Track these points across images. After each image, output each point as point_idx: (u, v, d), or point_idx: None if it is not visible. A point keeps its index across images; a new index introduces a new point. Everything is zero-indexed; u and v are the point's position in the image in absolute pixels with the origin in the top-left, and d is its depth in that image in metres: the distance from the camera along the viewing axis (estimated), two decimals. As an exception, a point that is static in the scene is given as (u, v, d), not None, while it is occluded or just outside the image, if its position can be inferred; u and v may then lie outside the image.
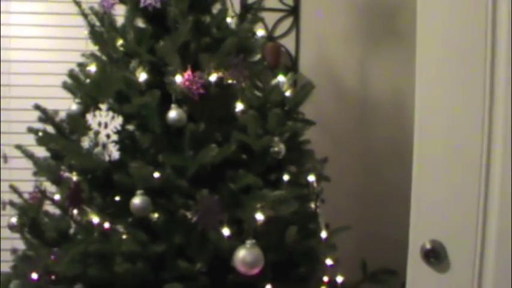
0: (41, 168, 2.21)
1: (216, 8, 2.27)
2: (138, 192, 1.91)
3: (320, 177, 2.38)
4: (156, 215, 2.02)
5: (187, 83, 2.01)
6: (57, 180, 2.18)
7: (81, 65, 2.26)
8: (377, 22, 3.18)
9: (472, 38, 1.62)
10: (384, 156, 3.20)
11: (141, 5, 2.10)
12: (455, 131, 1.65)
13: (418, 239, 1.70)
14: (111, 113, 2.02)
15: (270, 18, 3.15)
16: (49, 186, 2.23)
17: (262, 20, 2.64)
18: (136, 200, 1.90)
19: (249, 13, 2.33)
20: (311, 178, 2.29)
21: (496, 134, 1.62)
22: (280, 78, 2.31)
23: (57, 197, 2.12)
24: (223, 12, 2.25)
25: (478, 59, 1.61)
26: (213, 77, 2.06)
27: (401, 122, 3.11)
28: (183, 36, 2.05)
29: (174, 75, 2.02)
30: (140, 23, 2.23)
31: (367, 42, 3.20)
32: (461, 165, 1.64)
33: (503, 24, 1.59)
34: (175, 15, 2.08)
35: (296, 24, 3.21)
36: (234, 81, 2.09)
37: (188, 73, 2.02)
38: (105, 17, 2.21)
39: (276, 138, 2.10)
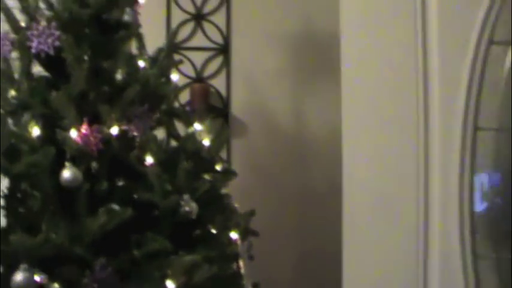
0: None
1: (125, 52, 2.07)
2: (21, 266, 1.67)
3: (246, 233, 2.18)
4: (56, 286, 1.80)
5: (83, 138, 1.80)
6: None
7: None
8: (309, 58, 3.04)
9: (402, 67, 1.66)
10: (321, 198, 2.99)
11: (33, 51, 1.90)
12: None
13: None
14: (-4, 175, 1.80)
15: (199, 57, 2.98)
16: None
17: (181, 62, 2.46)
18: (18, 277, 1.66)
19: (162, 55, 2.15)
20: (234, 235, 2.08)
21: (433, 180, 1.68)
22: (196, 126, 2.12)
23: None
24: (131, 56, 2.05)
25: (409, 95, 1.63)
26: (114, 130, 1.86)
27: (339, 160, 2.92)
28: (78, 85, 1.87)
29: (68, 129, 1.81)
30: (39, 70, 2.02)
31: (300, 79, 3.05)
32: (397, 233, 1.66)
33: (434, 63, 1.58)
34: (71, 62, 1.88)
35: (226, 63, 3.02)
36: (138, 134, 1.90)
37: (84, 127, 1.81)
38: (-1, 64, 2.00)
39: (186, 196, 1.89)
